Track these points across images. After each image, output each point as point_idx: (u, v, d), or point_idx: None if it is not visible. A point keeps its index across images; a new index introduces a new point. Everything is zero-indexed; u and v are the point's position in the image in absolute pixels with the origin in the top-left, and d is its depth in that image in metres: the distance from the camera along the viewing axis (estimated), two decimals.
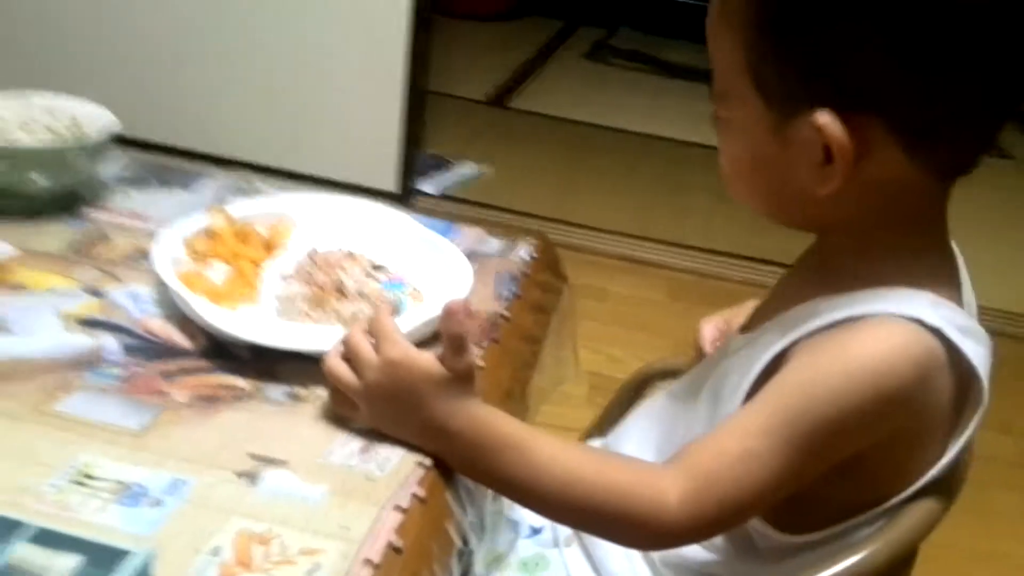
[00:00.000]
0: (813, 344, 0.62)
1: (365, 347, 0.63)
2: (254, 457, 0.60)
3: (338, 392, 0.64)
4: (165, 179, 0.99)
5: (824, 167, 0.59)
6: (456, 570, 0.60)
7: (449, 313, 0.61)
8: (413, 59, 2.28)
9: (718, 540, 0.69)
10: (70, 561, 0.49)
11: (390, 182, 2.38)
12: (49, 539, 0.51)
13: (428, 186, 2.53)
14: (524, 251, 0.96)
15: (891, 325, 0.60)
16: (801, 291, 0.67)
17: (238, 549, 0.52)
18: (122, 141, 0.94)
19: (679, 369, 0.88)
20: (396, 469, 0.61)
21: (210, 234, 0.82)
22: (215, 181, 1.01)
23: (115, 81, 2.43)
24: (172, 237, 0.79)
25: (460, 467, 0.63)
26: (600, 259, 2.31)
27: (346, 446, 0.62)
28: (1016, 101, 0.59)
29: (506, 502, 0.71)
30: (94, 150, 0.90)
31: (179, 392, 0.65)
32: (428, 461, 0.62)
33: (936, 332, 0.60)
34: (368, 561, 0.53)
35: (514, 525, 0.77)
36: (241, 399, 0.65)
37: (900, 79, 0.56)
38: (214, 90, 2.41)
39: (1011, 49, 0.57)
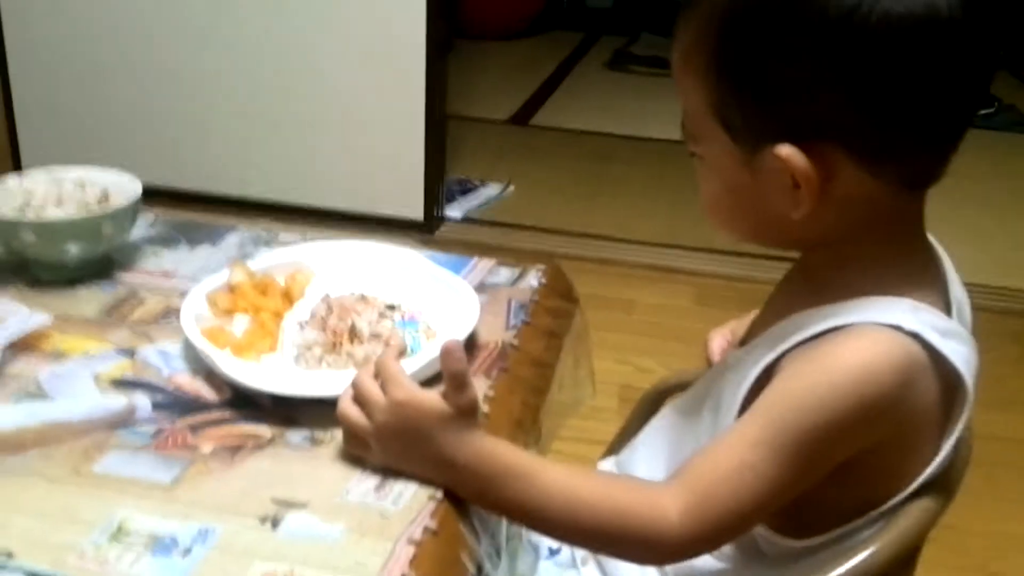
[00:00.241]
0: (799, 356, 0.65)
1: (373, 390, 0.67)
2: (276, 501, 0.64)
3: (351, 434, 0.68)
4: (191, 236, 1.05)
5: (794, 193, 0.62)
6: None
7: (447, 352, 0.65)
8: (431, 88, 2.33)
9: (727, 548, 0.72)
10: None
11: (417, 210, 2.44)
12: None
13: (454, 210, 2.58)
14: (533, 279, 0.99)
15: (871, 333, 0.63)
16: (788, 305, 0.70)
17: None
18: (154, 194, 0.99)
19: (692, 382, 0.91)
20: (409, 504, 0.65)
21: (232, 289, 0.87)
22: (239, 235, 1.06)
23: (140, 136, 2.53)
24: (196, 295, 0.84)
25: (470, 497, 0.66)
26: (627, 270, 2.34)
27: (361, 484, 0.66)
28: (968, 116, 0.62)
29: (524, 528, 0.74)
30: (123, 217, 0.95)
31: (205, 444, 0.69)
32: (440, 494, 0.66)
33: (916, 336, 0.62)
34: None
35: (534, 548, 0.80)
36: (263, 446, 0.70)
37: (852, 110, 0.60)
38: (237, 135, 2.48)
39: (956, 74, 0.60)
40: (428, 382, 0.72)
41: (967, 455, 0.71)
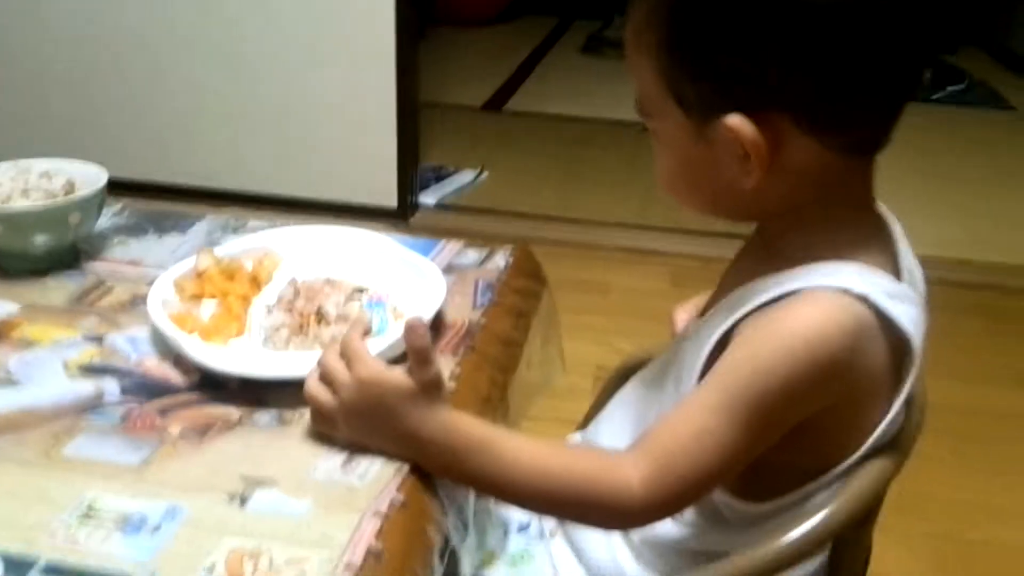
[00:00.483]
0: (753, 322, 0.67)
1: (339, 368, 0.68)
2: (244, 479, 0.65)
3: (318, 412, 0.69)
4: (160, 225, 1.05)
5: (745, 162, 0.64)
6: (439, 570, 0.65)
7: (410, 329, 0.66)
8: (402, 75, 2.34)
9: (688, 515, 0.73)
10: None
11: (391, 198, 2.44)
12: (60, 572, 0.56)
13: (428, 197, 2.58)
14: (501, 259, 1.01)
15: (821, 297, 0.64)
16: (746, 273, 0.71)
17: (230, 566, 0.57)
18: (122, 186, 1.00)
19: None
20: (376, 478, 0.66)
21: (199, 274, 0.88)
22: (207, 223, 1.07)
23: (111, 129, 2.52)
24: (164, 281, 0.85)
25: (436, 471, 0.67)
26: (602, 253, 2.36)
27: (329, 461, 0.67)
28: (911, 86, 0.63)
29: (492, 501, 0.75)
30: (88, 206, 0.96)
31: (174, 426, 0.70)
32: (406, 468, 0.67)
33: (865, 300, 0.64)
34: (350, 565, 0.58)
35: (503, 523, 0.81)
36: (232, 427, 0.71)
37: (797, 82, 0.61)
38: (207, 124, 2.48)
39: (896, 43, 0.62)
40: (396, 361, 0.73)
41: (920, 418, 0.73)
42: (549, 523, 0.81)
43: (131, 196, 1.12)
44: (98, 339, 0.82)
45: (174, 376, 0.77)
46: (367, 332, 0.76)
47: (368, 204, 2.43)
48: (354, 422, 0.67)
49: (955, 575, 1.49)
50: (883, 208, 0.72)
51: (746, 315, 0.67)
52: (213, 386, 0.75)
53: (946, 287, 2.26)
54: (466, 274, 0.96)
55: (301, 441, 0.70)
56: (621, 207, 2.58)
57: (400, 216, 2.45)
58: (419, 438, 0.66)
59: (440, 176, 2.72)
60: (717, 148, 0.65)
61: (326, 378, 0.68)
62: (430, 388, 0.66)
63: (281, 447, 0.69)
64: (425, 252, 0.97)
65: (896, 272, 0.69)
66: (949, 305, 2.12)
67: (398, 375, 0.66)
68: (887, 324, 0.65)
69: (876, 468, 0.69)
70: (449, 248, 1.02)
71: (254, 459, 0.67)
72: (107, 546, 0.58)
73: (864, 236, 0.68)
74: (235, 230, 1.04)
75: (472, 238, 1.07)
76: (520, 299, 0.99)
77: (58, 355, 0.79)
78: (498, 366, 0.87)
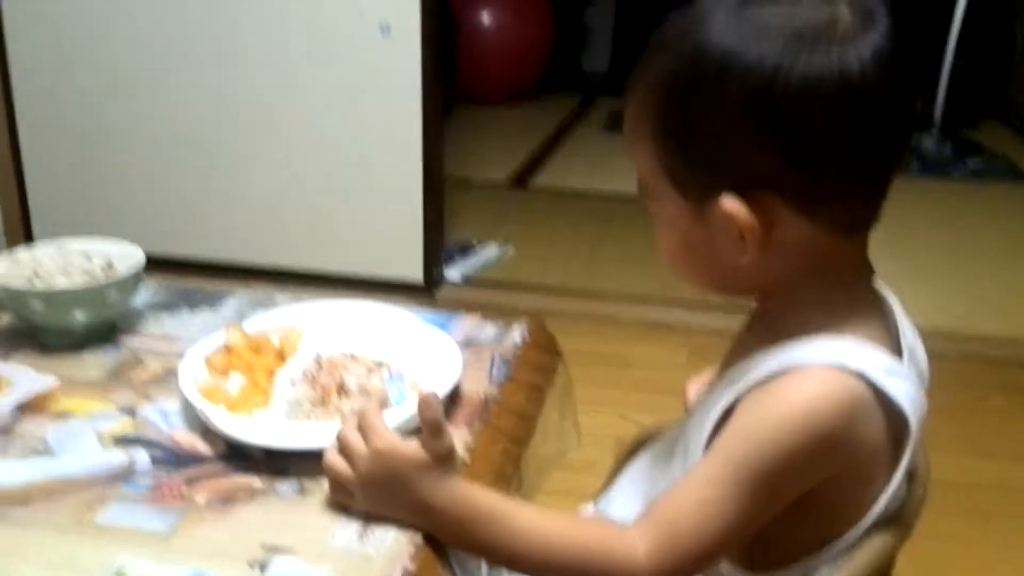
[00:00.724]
0: (753, 396, 0.69)
1: (356, 441, 0.71)
2: (265, 547, 0.68)
3: (336, 483, 0.72)
4: (192, 301, 1.10)
5: (741, 242, 0.68)
6: None
7: (423, 402, 0.69)
8: (428, 152, 2.41)
9: None
10: None
11: (417, 273, 2.50)
12: None
13: (454, 272, 2.64)
14: (517, 334, 1.04)
15: (817, 373, 0.67)
16: (747, 348, 0.74)
17: None
18: (157, 263, 1.05)
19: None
20: (391, 548, 0.68)
21: (228, 349, 0.92)
22: (237, 299, 1.12)
23: (146, 207, 2.60)
24: (194, 356, 0.89)
25: (447, 540, 0.70)
26: (623, 327, 2.39)
27: (346, 530, 0.70)
28: (894, 163, 0.67)
29: (503, 571, 0.77)
30: (126, 285, 1.01)
31: (200, 495, 0.74)
32: (419, 539, 0.70)
33: (861, 375, 0.67)
34: None
35: None
36: (255, 496, 0.74)
37: (786, 165, 0.65)
38: (237, 202, 2.55)
39: (874, 130, 0.65)
40: (413, 433, 0.76)
41: (923, 493, 0.75)
42: None
43: (163, 271, 1.17)
44: (131, 411, 0.86)
45: (202, 447, 0.81)
46: (384, 405, 0.80)
47: (394, 279, 2.48)
48: (370, 492, 0.70)
49: None
50: (880, 284, 0.75)
51: (745, 390, 0.70)
52: (239, 456, 0.79)
53: (971, 363, 2.27)
54: (482, 349, 1.00)
55: (320, 511, 0.73)
56: (641, 281, 2.61)
57: (426, 290, 2.50)
58: (431, 508, 0.69)
59: (465, 251, 2.77)
60: (714, 229, 0.69)
61: (344, 450, 0.72)
62: (443, 459, 0.69)
63: (301, 516, 0.72)
64: (444, 326, 1.00)
65: (895, 347, 0.71)
66: (975, 381, 2.12)
67: (412, 447, 0.69)
68: (883, 399, 0.67)
69: (879, 542, 0.70)
70: (468, 322, 1.06)
71: (275, 527, 0.70)
72: None
73: (858, 312, 0.71)
74: (263, 306, 1.09)
75: (496, 312, 1.11)
76: (535, 373, 1.02)
77: (93, 426, 0.83)
78: (512, 439, 0.90)
